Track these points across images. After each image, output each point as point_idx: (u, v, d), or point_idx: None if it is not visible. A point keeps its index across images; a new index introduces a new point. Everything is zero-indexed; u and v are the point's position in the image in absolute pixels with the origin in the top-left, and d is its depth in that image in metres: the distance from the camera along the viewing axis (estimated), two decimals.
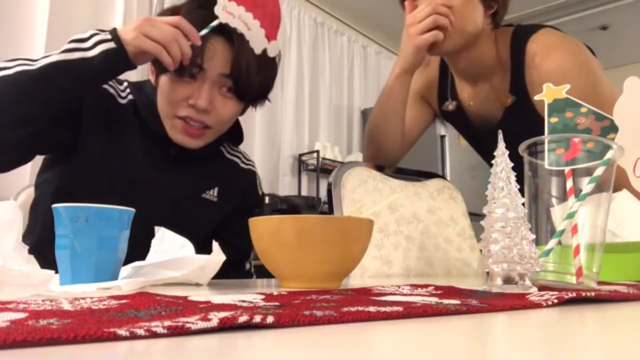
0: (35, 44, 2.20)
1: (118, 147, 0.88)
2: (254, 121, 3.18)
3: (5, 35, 2.13)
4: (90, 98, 0.85)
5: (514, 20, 1.30)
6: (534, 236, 0.50)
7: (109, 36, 0.75)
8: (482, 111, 1.20)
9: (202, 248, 0.63)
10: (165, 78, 0.86)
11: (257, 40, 0.84)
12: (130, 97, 0.92)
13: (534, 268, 0.49)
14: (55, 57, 0.74)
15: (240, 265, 1.05)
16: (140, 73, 1.22)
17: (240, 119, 1.01)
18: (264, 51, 0.86)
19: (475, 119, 1.24)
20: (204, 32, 0.80)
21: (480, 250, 0.51)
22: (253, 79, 0.87)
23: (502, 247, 0.49)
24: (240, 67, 0.84)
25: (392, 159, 1.25)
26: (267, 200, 2.82)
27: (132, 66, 0.79)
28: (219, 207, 0.99)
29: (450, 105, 1.23)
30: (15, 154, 0.77)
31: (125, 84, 0.94)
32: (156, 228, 0.63)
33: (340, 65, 3.97)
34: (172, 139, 0.88)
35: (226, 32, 0.83)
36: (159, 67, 0.85)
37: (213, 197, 0.98)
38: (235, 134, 1.03)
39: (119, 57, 0.76)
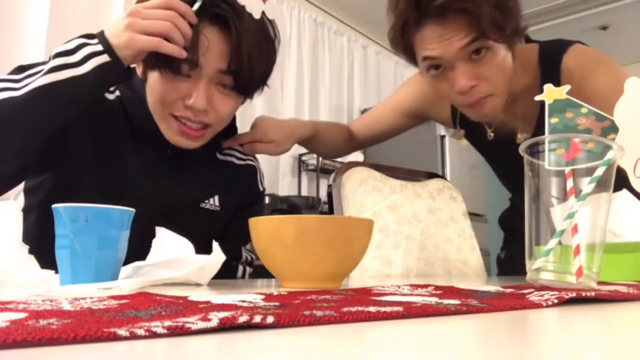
0: (36, 44, 2.19)
1: (107, 151, 0.80)
2: None
3: (5, 35, 2.13)
4: None
5: None
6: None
7: (100, 47, 0.67)
8: (502, 135, 1.10)
9: (203, 252, 0.61)
10: (156, 75, 0.75)
11: (251, 3, 0.74)
12: (117, 92, 0.83)
13: None
14: (42, 80, 0.65)
15: (229, 266, 0.94)
16: None
17: (240, 119, 0.97)
18: (265, 33, 0.77)
19: (496, 142, 1.12)
20: (196, 5, 0.70)
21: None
22: (255, 71, 0.77)
23: None
24: (242, 60, 0.74)
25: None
26: (267, 200, 2.82)
27: (130, 75, 0.73)
28: (221, 216, 0.91)
29: (459, 134, 1.16)
30: (6, 186, 0.72)
31: None
32: (157, 228, 0.63)
33: (340, 65, 3.96)
34: (169, 141, 0.80)
35: (221, 19, 0.73)
36: (149, 62, 0.75)
37: (214, 207, 0.89)
38: (228, 129, 0.93)
39: (115, 70, 0.68)
